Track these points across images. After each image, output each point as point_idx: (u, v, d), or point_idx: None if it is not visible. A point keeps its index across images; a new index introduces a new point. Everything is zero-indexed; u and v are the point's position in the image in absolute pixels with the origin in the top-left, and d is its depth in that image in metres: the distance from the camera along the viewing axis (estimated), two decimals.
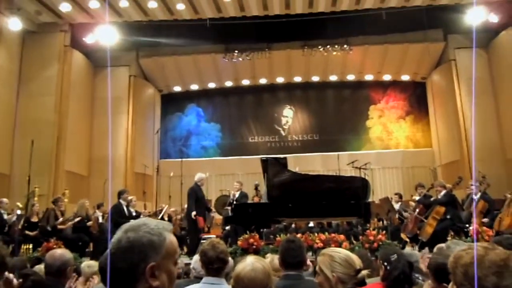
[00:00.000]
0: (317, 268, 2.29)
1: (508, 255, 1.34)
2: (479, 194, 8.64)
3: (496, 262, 1.32)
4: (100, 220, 9.32)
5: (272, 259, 3.59)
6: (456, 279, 1.37)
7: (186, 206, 10.07)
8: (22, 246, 8.87)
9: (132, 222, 1.29)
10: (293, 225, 10.64)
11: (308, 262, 4.43)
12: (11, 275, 1.97)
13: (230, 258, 3.33)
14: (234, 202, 9.14)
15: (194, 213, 8.75)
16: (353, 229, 10.10)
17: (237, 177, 14.79)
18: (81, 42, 13.56)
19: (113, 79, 14.68)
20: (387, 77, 16.33)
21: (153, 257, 1.24)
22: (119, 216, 8.56)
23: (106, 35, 13.11)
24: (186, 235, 10.05)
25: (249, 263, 2.24)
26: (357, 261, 2.25)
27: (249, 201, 10.03)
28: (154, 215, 9.95)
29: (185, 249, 9.43)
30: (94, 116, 14.32)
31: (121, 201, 9.03)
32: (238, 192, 9.84)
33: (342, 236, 7.66)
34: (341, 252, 2.28)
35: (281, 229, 10.14)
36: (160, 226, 1.29)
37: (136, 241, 1.24)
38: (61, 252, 3.21)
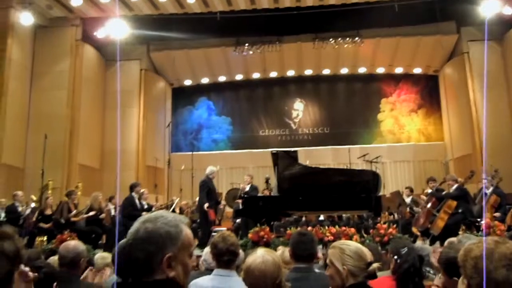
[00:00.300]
0: (327, 260, 2.30)
1: None
2: (491, 188, 8.56)
3: (506, 255, 1.32)
4: (113, 212, 9.43)
5: (283, 252, 3.61)
6: (466, 272, 1.37)
7: (197, 199, 10.15)
8: (37, 238, 9.02)
9: (150, 214, 1.32)
10: (303, 218, 10.64)
11: (319, 255, 4.45)
12: (26, 268, 2.01)
13: (241, 251, 3.36)
14: (245, 195, 9.18)
15: (206, 205, 8.81)
16: (364, 223, 10.07)
17: (248, 170, 14.82)
18: (93, 37, 13.64)
19: (124, 73, 14.76)
20: (399, 70, 16.19)
21: (170, 248, 1.26)
22: (131, 209, 8.65)
23: (117, 29, 13.16)
24: (197, 227, 10.12)
25: (259, 255, 2.26)
26: (368, 254, 2.25)
27: (260, 194, 10.07)
28: (166, 208, 10.03)
29: (196, 242, 9.49)
30: (106, 109, 14.43)
31: (133, 194, 9.12)
32: (249, 185, 9.88)
33: (352, 230, 7.66)
34: (352, 245, 2.28)
35: (291, 222, 10.15)
36: (177, 218, 1.32)
37: (154, 232, 1.27)
38: (74, 244, 3.26)
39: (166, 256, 1.25)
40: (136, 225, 1.29)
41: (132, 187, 9.22)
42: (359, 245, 2.30)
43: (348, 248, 2.25)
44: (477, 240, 1.46)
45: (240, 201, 9.51)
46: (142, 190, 9.51)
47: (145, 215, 1.31)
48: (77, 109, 12.98)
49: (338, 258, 2.23)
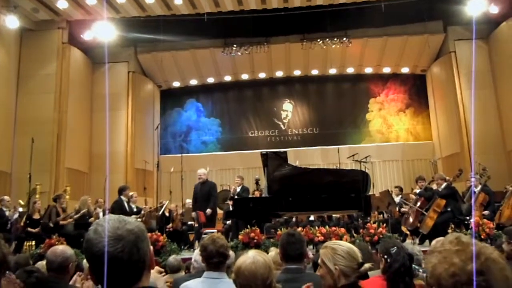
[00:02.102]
0: (319, 260, 2.30)
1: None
2: (479, 187, 8.65)
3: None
4: (101, 216, 9.35)
5: (276, 253, 3.61)
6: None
7: (188, 201, 10.10)
8: (25, 243, 8.92)
9: (109, 221, 1.31)
10: (293, 219, 10.66)
11: (310, 255, 4.45)
12: (13, 276, 2.00)
13: (232, 252, 3.35)
14: (235, 197, 9.18)
15: (208, 210, 8.92)
16: (354, 223, 10.13)
17: (238, 171, 14.80)
18: (79, 39, 13.54)
19: (112, 75, 14.67)
20: (386, 70, 16.31)
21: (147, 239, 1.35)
22: (120, 213, 8.60)
23: (104, 32, 13.08)
24: (187, 230, 10.09)
25: (250, 256, 2.26)
26: (359, 254, 2.26)
27: (250, 196, 10.06)
28: (155, 210, 9.98)
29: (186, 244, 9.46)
30: (94, 112, 14.32)
31: (122, 197, 9.06)
32: (240, 187, 9.88)
33: (342, 230, 7.69)
34: (344, 245, 2.28)
35: (282, 223, 10.17)
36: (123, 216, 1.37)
37: (137, 231, 1.30)
38: (62, 249, 3.23)
39: (150, 248, 1.32)
40: (113, 233, 1.28)
41: (121, 191, 9.16)
42: (351, 245, 2.30)
43: (340, 248, 2.25)
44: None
45: (230, 202, 9.50)
46: (131, 193, 9.46)
47: (109, 223, 1.31)
48: (64, 113, 12.87)
49: (330, 258, 2.23)
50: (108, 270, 1.21)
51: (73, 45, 13.53)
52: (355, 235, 8.04)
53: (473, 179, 8.82)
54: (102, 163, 13.68)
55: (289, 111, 16.72)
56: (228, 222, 9.70)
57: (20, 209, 9.35)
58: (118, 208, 8.64)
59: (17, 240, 8.70)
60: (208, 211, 8.96)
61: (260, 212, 7.87)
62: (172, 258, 5.08)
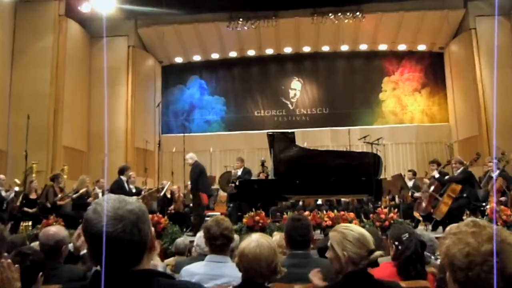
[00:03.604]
0: (328, 243, 2.31)
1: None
2: (497, 172, 8.61)
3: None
4: (100, 196, 9.43)
5: (281, 237, 3.63)
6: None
7: (189, 182, 10.16)
8: (21, 223, 9.03)
9: (109, 200, 1.32)
10: (300, 203, 10.72)
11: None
12: (9, 261, 2.03)
13: (236, 235, 3.38)
14: (238, 180, 9.22)
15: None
16: (364, 207, 10.17)
17: (242, 153, 14.83)
18: (77, 11, 13.43)
19: (111, 49, 14.61)
20: (402, 47, 16.12)
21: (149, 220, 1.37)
22: (121, 193, 8.66)
23: (102, 3, 12.96)
24: (190, 212, 10.18)
25: (254, 239, 2.27)
26: (371, 241, 2.24)
27: (255, 178, 10.10)
28: (156, 192, 10.05)
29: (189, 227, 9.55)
30: (92, 88, 14.32)
31: (122, 177, 9.13)
32: (241, 170, 9.88)
33: (352, 214, 7.73)
34: (355, 230, 2.26)
35: (288, 207, 10.22)
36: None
37: (138, 211, 1.31)
38: (55, 230, 3.22)
39: (152, 230, 1.34)
40: (112, 213, 1.29)
41: (122, 171, 9.22)
42: (363, 231, 2.28)
43: (350, 233, 2.23)
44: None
45: (233, 185, 9.55)
46: (130, 173, 9.52)
47: (108, 204, 1.32)
48: (61, 88, 12.87)
49: (339, 243, 2.23)
50: (107, 251, 1.22)
51: (70, 17, 13.44)
52: (364, 220, 8.09)
53: (495, 163, 8.77)
54: (101, 142, 13.73)
55: (297, 89, 16.64)
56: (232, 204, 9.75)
57: (16, 188, 9.44)
58: (118, 189, 8.70)
59: (13, 220, 8.81)
60: None
61: (266, 195, 7.94)
62: (180, 240, 5.15)
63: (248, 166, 10.38)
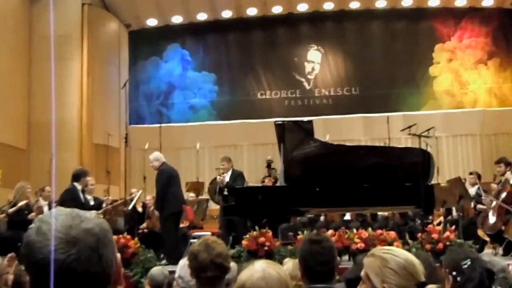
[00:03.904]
0: (362, 272, 2.31)
1: None
2: None
3: None
4: (46, 210, 9.44)
5: (294, 265, 3.63)
6: None
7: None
8: None
9: (58, 216, 1.32)
10: (322, 218, 10.73)
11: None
12: None
13: (233, 263, 3.38)
14: (226, 189, 9.24)
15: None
16: (409, 224, 10.18)
17: (240, 149, 14.85)
18: None
19: (59, 10, 14.54)
20: (461, 2, 16.09)
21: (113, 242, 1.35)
22: (75, 206, 8.67)
23: None
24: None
25: (258, 269, 2.27)
26: (420, 269, 2.24)
27: (252, 184, 10.12)
28: (123, 204, 10.06)
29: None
30: (33, 64, 14.28)
31: (76, 184, 9.13)
32: (229, 174, 9.79)
33: (392, 234, 7.75)
34: (399, 256, 2.26)
35: (304, 224, 10.23)
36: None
37: (99, 231, 1.30)
38: None
39: (118, 255, 1.31)
40: (64, 233, 1.29)
41: (77, 176, 9.22)
42: (410, 256, 2.29)
43: (393, 259, 2.23)
44: None
45: (220, 197, 9.58)
46: (88, 178, 9.54)
47: (42, 217, 1.32)
48: None
49: (378, 273, 2.23)
50: (56, 286, 1.22)
51: None
52: (410, 241, 8.07)
53: None
54: (46, 137, 13.64)
55: (316, 62, 16.61)
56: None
57: None
58: (71, 200, 8.72)
59: None
60: None
61: (274, 207, 7.92)
62: (158, 270, 5.15)
63: (249, 168, 10.39)
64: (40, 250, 1.26)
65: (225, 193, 9.19)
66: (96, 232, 1.30)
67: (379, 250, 2.36)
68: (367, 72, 16.41)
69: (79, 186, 9.22)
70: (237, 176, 9.81)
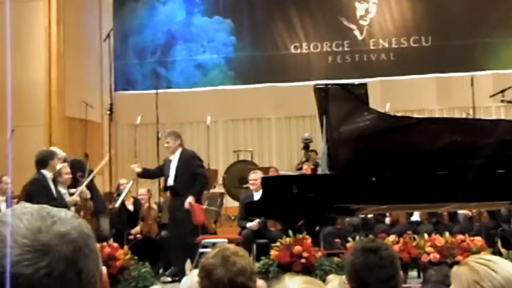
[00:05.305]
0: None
1: None
2: None
3: None
4: (3, 207, 9.57)
5: (340, 285, 3.64)
6: None
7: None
8: None
9: (22, 215, 1.31)
10: (387, 219, 10.75)
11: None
12: None
13: (260, 281, 3.40)
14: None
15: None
16: (502, 226, 10.12)
17: (267, 123, 14.85)
18: None
19: None
20: None
21: (99, 261, 1.32)
22: (46, 202, 8.79)
23: None
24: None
25: None
26: None
27: (292, 173, 10.13)
28: (109, 200, 10.15)
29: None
30: None
31: (44, 172, 9.21)
32: (177, 155, 9.85)
33: (478, 240, 7.73)
34: (500, 267, 2.25)
35: (355, 227, 10.25)
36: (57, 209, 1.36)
37: (77, 236, 1.29)
38: None
39: (102, 270, 1.30)
40: (29, 238, 1.28)
41: (43, 161, 9.32)
42: None
43: (488, 275, 2.21)
44: None
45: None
46: (59, 165, 9.60)
47: (2, 215, 1.31)
48: None
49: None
50: None
51: None
52: (503, 250, 8.04)
53: None
54: (1, 108, 13.87)
55: (371, 1, 16.51)
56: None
57: None
58: (39, 193, 8.82)
59: None
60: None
61: (313, 204, 7.92)
62: None
63: (278, 150, 10.38)
64: None
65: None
66: (73, 237, 1.29)
67: (477, 259, 2.33)
68: (443, 15, 16.28)
69: (48, 174, 9.29)
70: (190, 158, 9.86)
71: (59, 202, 9.03)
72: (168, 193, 10.51)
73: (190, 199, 9.29)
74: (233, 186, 11.63)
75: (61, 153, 10.01)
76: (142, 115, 12.95)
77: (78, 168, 10.23)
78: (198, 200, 9.69)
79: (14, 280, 1.17)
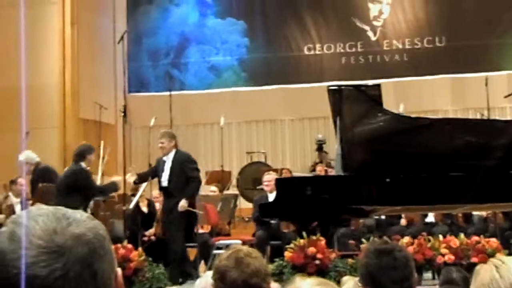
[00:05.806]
0: None
1: None
2: None
3: None
4: (18, 209, 9.59)
5: (356, 285, 3.64)
6: None
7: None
8: None
9: (37, 217, 1.30)
10: (403, 221, 10.73)
11: None
12: None
13: (274, 284, 3.39)
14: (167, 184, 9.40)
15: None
16: None
17: (281, 125, 14.84)
18: None
19: None
20: None
21: (114, 262, 1.32)
22: (90, 195, 8.95)
23: None
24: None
25: None
26: None
27: (305, 175, 10.12)
28: (122, 201, 10.17)
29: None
30: None
31: (82, 164, 9.32)
32: (170, 156, 9.85)
33: (494, 242, 7.71)
34: None
35: (369, 228, 10.24)
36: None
37: (93, 238, 1.28)
38: None
39: (117, 272, 1.30)
40: (46, 239, 1.28)
41: (82, 154, 9.47)
42: None
43: (505, 276, 2.21)
44: None
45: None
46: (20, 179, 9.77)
47: (15, 218, 1.30)
48: None
49: None
50: None
51: None
52: None
53: None
54: (14, 109, 13.89)
55: (385, 2, 16.48)
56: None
57: None
58: (83, 185, 8.91)
59: None
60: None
61: (327, 205, 7.91)
62: None
63: (292, 152, 10.38)
64: (13, 263, 1.25)
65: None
66: (89, 239, 1.28)
67: (497, 260, 2.30)
68: (456, 16, 16.24)
69: (84, 167, 9.41)
70: (185, 161, 9.87)
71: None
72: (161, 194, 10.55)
73: (184, 203, 9.28)
74: (246, 188, 11.63)
75: (35, 158, 10.13)
76: (156, 117, 12.97)
77: (43, 177, 10.30)
78: (192, 204, 9.67)
79: (30, 282, 1.17)
